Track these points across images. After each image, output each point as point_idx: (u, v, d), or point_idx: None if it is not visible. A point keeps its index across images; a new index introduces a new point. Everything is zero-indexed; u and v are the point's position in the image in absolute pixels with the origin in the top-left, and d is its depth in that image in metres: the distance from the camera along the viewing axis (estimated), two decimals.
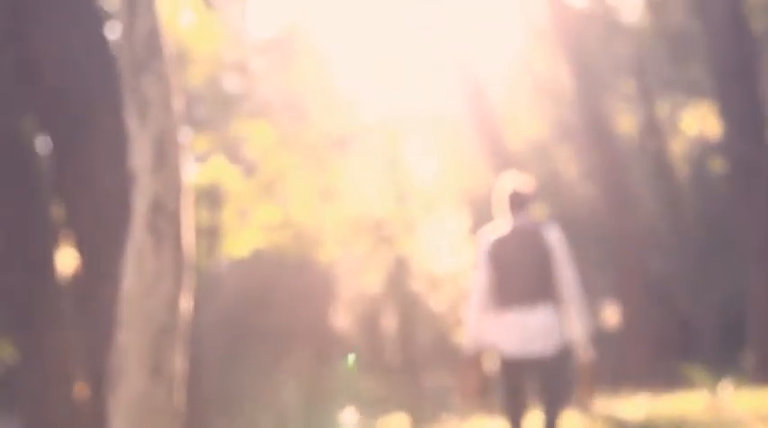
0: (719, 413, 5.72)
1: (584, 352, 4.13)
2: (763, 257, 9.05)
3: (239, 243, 12.48)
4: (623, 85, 18.08)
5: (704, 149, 16.46)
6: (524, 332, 4.17)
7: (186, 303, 2.73)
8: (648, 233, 14.56)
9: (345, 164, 14.42)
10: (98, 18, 6.08)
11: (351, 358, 13.90)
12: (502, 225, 4.29)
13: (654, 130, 17.34)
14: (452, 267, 14.36)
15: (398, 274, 14.65)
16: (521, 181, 4.37)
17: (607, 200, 12.61)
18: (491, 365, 4.25)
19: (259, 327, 15.51)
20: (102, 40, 6.01)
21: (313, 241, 14.11)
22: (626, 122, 17.51)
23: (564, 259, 4.16)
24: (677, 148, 17.67)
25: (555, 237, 4.18)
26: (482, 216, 15.22)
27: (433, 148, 16.35)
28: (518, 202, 4.28)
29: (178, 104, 2.82)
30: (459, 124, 16.47)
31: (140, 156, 2.74)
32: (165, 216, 2.69)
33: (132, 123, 2.75)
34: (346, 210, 14.28)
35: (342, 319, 15.79)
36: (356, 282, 15.34)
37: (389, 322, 15.40)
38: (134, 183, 2.74)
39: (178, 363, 2.67)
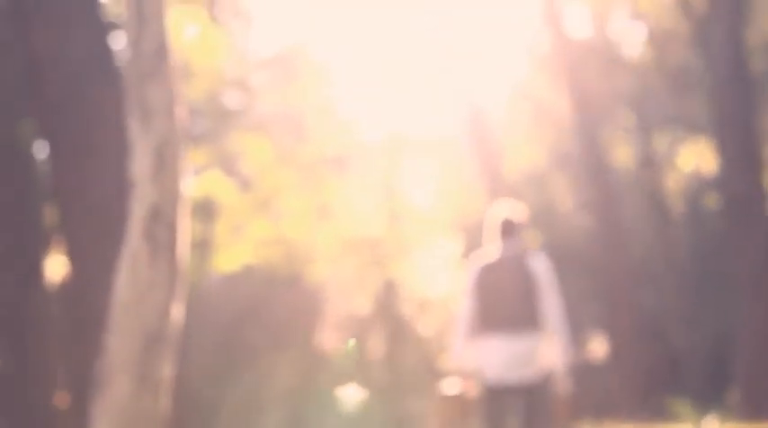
0: None
1: (564, 381, 4.23)
2: (756, 295, 9.10)
3: (230, 257, 12.49)
4: (622, 118, 18.21)
5: (700, 185, 16.57)
6: (508, 358, 4.24)
7: (178, 312, 2.74)
8: (641, 266, 14.63)
9: (341, 184, 14.47)
10: (101, 26, 6.13)
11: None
12: (491, 252, 4.37)
13: (650, 164, 17.45)
14: (443, 292, 14.39)
15: (388, 297, 14.66)
16: (514, 209, 4.45)
17: (601, 232, 12.69)
18: (474, 391, 4.28)
19: (246, 344, 15.47)
20: (106, 48, 6.05)
21: (304, 259, 14.13)
22: (623, 155, 17.62)
23: (550, 288, 4.25)
24: (673, 183, 17.77)
25: (542, 267, 4.28)
26: (475, 242, 15.25)
27: (429, 172, 16.42)
28: (509, 230, 4.37)
29: (181, 113, 2.85)
30: (457, 149, 16.55)
31: (140, 163, 2.76)
32: (162, 224, 2.71)
33: (134, 130, 2.78)
34: (340, 230, 14.31)
35: (329, 339, 15.76)
36: (345, 303, 15.34)
37: (377, 344, 15.38)
38: (132, 191, 2.76)
39: (166, 372, 2.68)
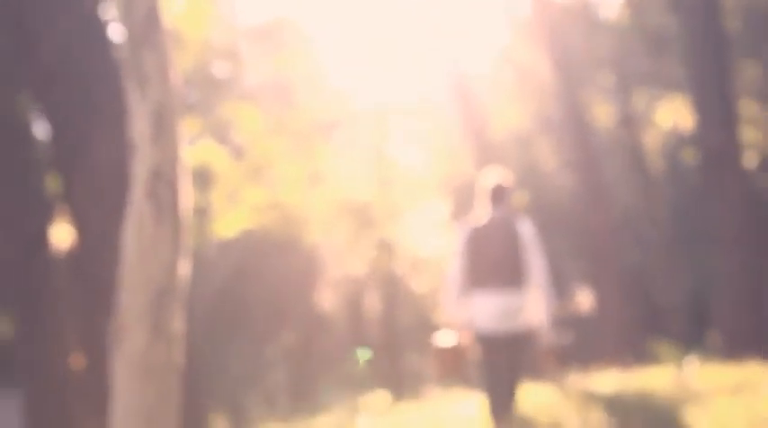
0: (685, 386, 5.87)
1: (546, 332, 4.43)
2: (733, 247, 9.18)
3: (228, 223, 12.53)
4: (602, 79, 18.20)
5: (678, 141, 16.62)
6: (497, 311, 4.46)
7: (184, 268, 2.79)
8: (623, 223, 14.72)
9: (332, 150, 14.47)
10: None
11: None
12: (482, 215, 4.56)
13: (630, 123, 17.48)
14: (434, 251, 14.47)
15: (382, 257, 14.74)
16: (502, 176, 4.64)
17: (584, 190, 12.74)
18: (467, 341, 4.49)
19: (246, 306, 15.56)
20: (97, 17, 6.03)
21: (299, 223, 14.17)
22: (603, 114, 17.64)
23: (534, 249, 4.46)
24: (652, 140, 17.82)
25: (528, 229, 4.48)
26: (463, 203, 15.31)
27: (418, 137, 16.42)
28: (498, 196, 4.56)
29: (175, 78, 2.88)
30: (444, 114, 16.54)
31: (140, 127, 2.79)
32: (164, 184, 2.75)
33: (132, 96, 2.81)
34: (332, 194, 14.34)
35: (326, 299, 15.86)
36: (341, 264, 15.41)
37: (372, 302, 15.49)
38: (133, 154, 2.80)
39: (177, 324, 2.74)
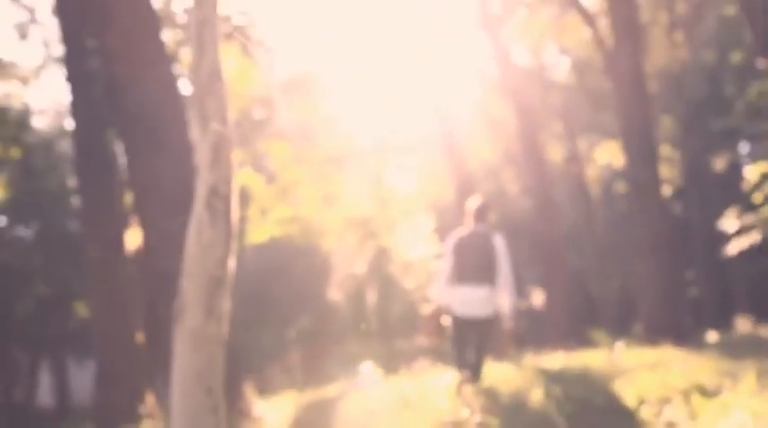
0: (615, 364, 5.92)
1: (508, 319, 4.79)
2: (652, 257, 9.25)
3: (260, 232, 12.59)
4: (554, 126, 18.33)
5: (612, 175, 16.72)
6: (471, 300, 4.80)
7: (232, 264, 2.86)
8: (568, 235, 14.78)
9: (342, 176, 14.55)
10: (166, 58, 6.19)
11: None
12: (466, 229, 4.97)
13: (575, 159, 17.57)
14: (420, 256, 14.53)
15: (379, 260, 14.79)
16: (482, 201, 5.05)
17: (538, 211, 12.81)
18: (446, 321, 4.85)
19: (273, 297, 15.59)
20: (169, 74, 6.11)
21: (316, 233, 14.24)
22: (555, 153, 17.74)
23: (502, 256, 4.86)
24: (592, 173, 17.92)
25: (499, 242, 4.91)
26: (444, 219, 15.42)
27: (410, 167, 16.49)
28: (479, 215, 5.00)
29: (230, 118, 2.96)
30: (430, 149, 16.64)
31: (201, 155, 2.87)
32: (218, 198, 2.83)
33: (196, 131, 2.88)
34: (342, 211, 14.41)
35: (335, 293, 15.90)
36: (347, 265, 15.47)
37: (371, 296, 15.51)
38: (195, 177, 2.87)
39: (225, 307, 2.80)
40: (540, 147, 13.77)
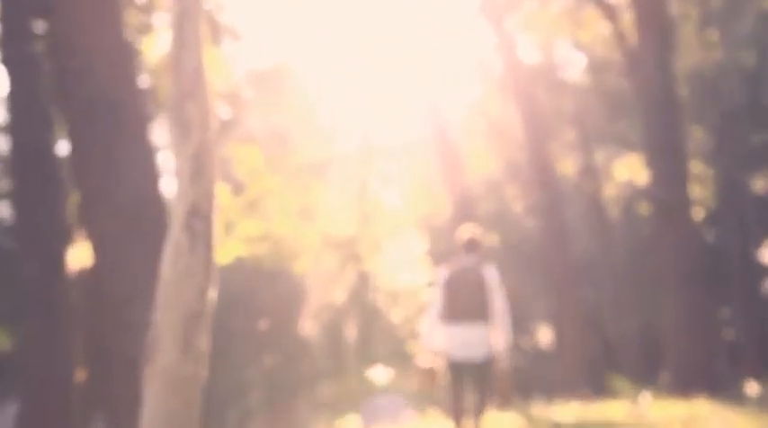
0: (640, 418, 5.98)
1: (504, 360, 5.09)
2: (679, 291, 9.30)
3: (223, 251, 12.55)
4: (565, 134, 18.51)
5: (633, 193, 16.89)
6: (465, 342, 5.09)
7: (213, 294, 2.90)
8: (582, 264, 14.91)
9: (321, 188, 14.59)
10: (126, 48, 6.23)
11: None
12: (457, 262, 5.28)
13: (590, 175, 17.75)
14: (410, 283, 14.56)
15: (361, 288, 14.80)
16: (474, 231, 5.35)
17: (547, 233, 12.92)
18: (440, 365, 5.12)
19: (233, 329, 15.50)
20: (129, 65, 6.15)
21: (288, 254, 14.23)
22: (566, 166, 17.91)
23: (497, 292, 5.15)
24: (609, 191, 18.10)
25: (492, 276, 5.22)
26: (439, 240, 15.46)
27: (399, 178, 16.57)
28: (470, 247, 5.30)
29: (214, 125, 3.01)
30: (422, 157, 16.74)
31: (181, 168, 2.92)
32: (199, 218, 2.87)
33: (175, 139, 2.93)
34: (320, 229, 14.43)
35: (308, 326, 15.86)
36: (323, 293, 15.45)
37: (351, 331, 15.50)
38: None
39: (204, 344, 2.84)
40: (549, 159, 13.93)
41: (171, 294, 2.79)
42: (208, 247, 2.86)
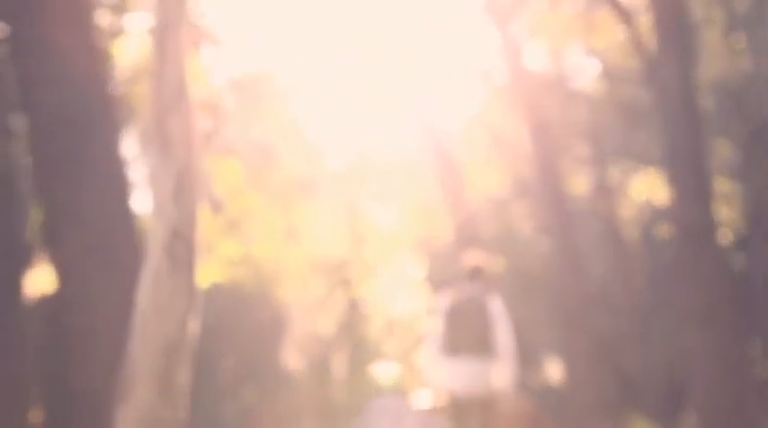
0: None
1: (510, 397, 5.17)
2: (704, 324, 9.31)
3: (200, 276, 12.51)
4: (577, 148, 18.62)
5: (653, 214, 16.95)
6: (469, 377, 5.22)
7: (195, 325, 2.94)
8: (596, 291, 14.95)
9: (309, 206, 14.64)
10: (96, 53, 6.29)
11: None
12: (460, 290, 5.42)
13: (604, 193, 17.84)
14: (407, 313, 14.60)
15: (352, 317, 14.82)
16: (480, 257, 5.55)
17: (558, 257, 13.00)
18: (443, 402, 5.26)
19: (208, 362, 15.45)
20: (100, 72, 6.21)
21: (272, 279, 14.25)
22: (578, 183, 18.01)
23: (501, 323, 5.26)
24: (626, 211, 18.17)
25: (497, 306, 5.31)
26: (438, 265, 15.50)
27: (394, 196, 16.64)
28: (474, 275, 5.44)
29: (198, 142, 3.07)
30: (420, 174, 16.82)
31: (161, 188, 2.97)
32: (181, 242, 2.93)
33: (155, 157, 2.99)
34: (306, 251, 14.47)
35: (292, 359, 15.83)
36: (310, 322, 15.44)
37: (340, 364, 15.48)
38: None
39: (184, 380, 2.88)
40: (559, 176, 14.01)
41: (148, 325, 2.83)
42: (190, 273, 2.91)
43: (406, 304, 14.85)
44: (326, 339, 15.48)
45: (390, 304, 15.03)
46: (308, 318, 15.47)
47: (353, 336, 15.10)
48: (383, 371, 8.57)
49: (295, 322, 15.51)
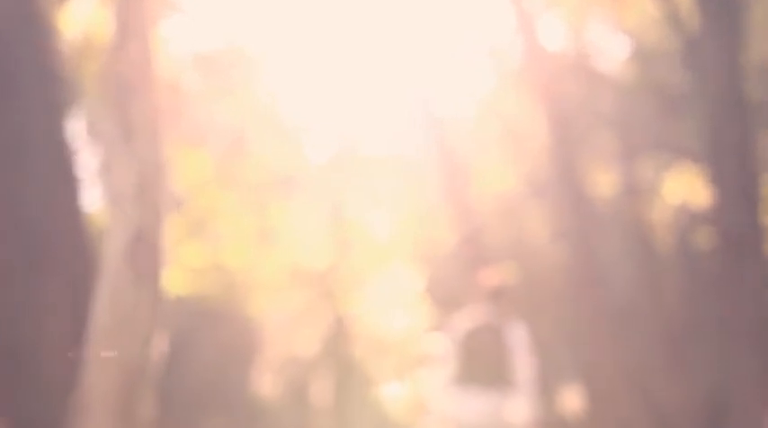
0: None
1: None
2: (752, 347, 9.36)
3: (165, 287, 12.51)
4: (602, 140, 18.69)
5: (690, 219, 17.01)
6: (483, 411, 5.31)
7: (161, 344, 2.95)
8: (623, 308, 14.99)
9: (287, 206, 14.67)
10: (40, 18, 6.28)
11: None
12: (475, 314, 5.54)
13: (634, 194, 17.89)
14: (402, 332, 14.63)
15: (338, 336, 14.85)
16: (496, 274, 5.54)
17: (579, 268, 13.04)
18: None
19: (170, 387, 15.45)
20: (43, 41, 6.20)
21: (242, 290, 14.27)
22: (604, 181, 18.06)
23: (522, 354, 5.39)
24: (659, 216, 18.21)
25: (517, 335, 5.41)
26: (440, 275, 15.54)
27: (387, 195, 16.68)
28: (492, 297, 5.55)
29: (165, 132, 3.08)
30: (418, 170, 16.86)
31: (122, 183, 2.97)
32: (145, 247, 2.93)
33: (115, 149, 2.99)
34: (284, 258, 14.49)
35: (267, 384, 15.86)
36: (287, 342, 15.47)
37: (323, 391, 15.51)
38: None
39: (147, 410, 2.88)
40: (581, 173, 14.06)
41: (107, 346, 2.83)
42: (155, 285, 2.91)
43: (402, 321, 14.89)
44: (307, 361, 15.49)
45: (382, 321, 15.06)
46: (285, 337, 15.49)
47: (339, 358, 15.11)
48: (374, 399, 8.62)
49: (270, 341, 15.53)
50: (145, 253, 2.95)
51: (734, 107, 10.31)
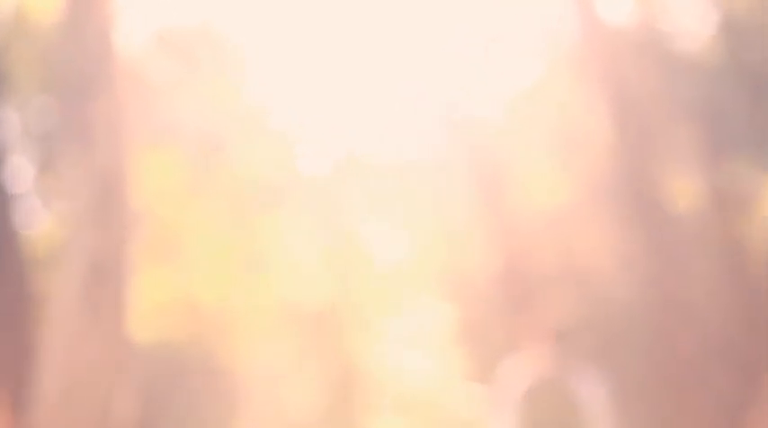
0: None
1: None
2: None
3: (132, 325, 12.63)
4: (681, 138, 18.75)
5: None
6: None
7: (129, 391, 3.05)
8: (715, 347, 14.99)
9: (277, 223, 14.77)
10: None
11: None
12: (532, 365, 5.19)
13: (723, 205, 17.92)
14: (427, 385, 14.70)
15: (346, 386, 14.93)
16: (556, 311, 5.40)
17: (656, 300, 13.09)
18: None
19: None
20: None
21: (220, 331, 14.36)
22: (685, 191, 18.11)
23: (597, 412, 5.05)
24: (755, 232, 18.23)
25: (591, 390, 5.09)
26: (474, 310, 15.55)
27: (403, 211, 16.77)
28: (553, 340, 5.20)
29: (130, 135, 3.19)
30: (444, 180, 16.95)
31: (79, 201, 3.08)
32: (106, 276, 3.03)
33: (66, 153, 3.10)
34: (274, 292, 14.59)
35: None
36: (277, 396, 15.56)
37: None
38: (67, 234, 3.09)
39: None
40: (655, 179, 14.14)
41: (60, 412, 2.93)
42: (119, 326, 3.01)
43: (426, 371, 14.96)
44: (303, 420, 15.59)
45: (401, 371, 15.13)
46: (274, 389, 15.58)
47: (344, 416, 15.20)
48: None
49: (255, 394, 15.63)
50: (105, 284, 3.05)
51: None
